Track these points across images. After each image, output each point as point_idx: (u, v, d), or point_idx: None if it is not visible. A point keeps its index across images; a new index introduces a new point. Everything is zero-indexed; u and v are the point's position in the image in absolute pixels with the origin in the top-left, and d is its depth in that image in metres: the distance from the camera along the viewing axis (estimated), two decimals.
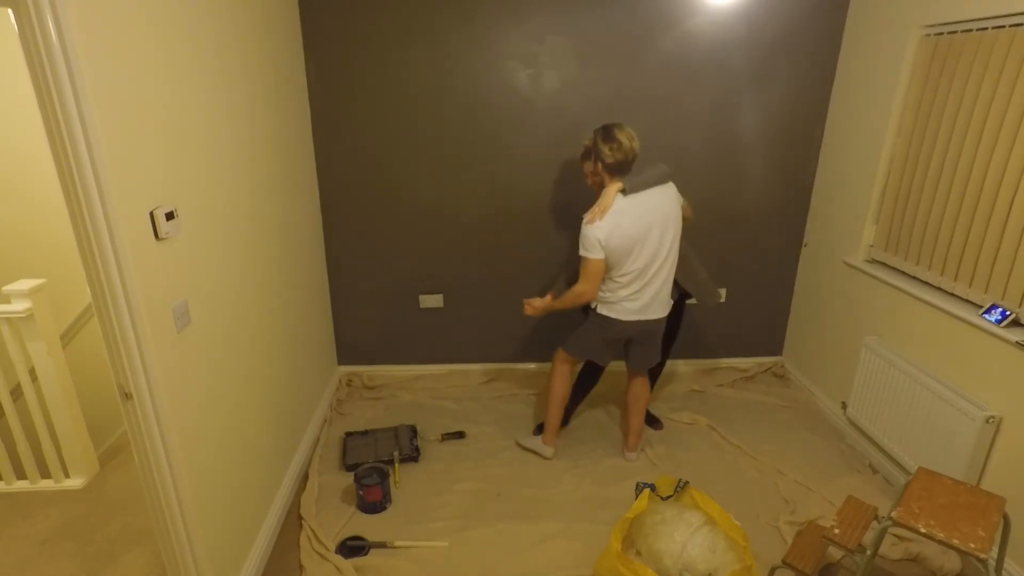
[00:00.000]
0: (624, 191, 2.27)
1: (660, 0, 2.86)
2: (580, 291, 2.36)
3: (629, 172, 2.33)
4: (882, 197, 2.75)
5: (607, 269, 2.35)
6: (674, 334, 2.83)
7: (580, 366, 2.89)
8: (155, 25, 1.58)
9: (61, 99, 1.27)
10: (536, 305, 2.55)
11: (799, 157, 3.18)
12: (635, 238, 2.28)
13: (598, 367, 2.82)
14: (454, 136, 3.07)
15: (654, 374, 2.91)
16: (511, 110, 3.03)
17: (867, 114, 2.79)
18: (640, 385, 2.69)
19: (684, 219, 2.44)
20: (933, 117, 2.42)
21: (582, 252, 2.31)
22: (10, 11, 1.26)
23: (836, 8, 2.92)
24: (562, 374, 2.69)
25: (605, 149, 2.28)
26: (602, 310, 2.45)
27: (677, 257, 2.42)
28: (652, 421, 3.01)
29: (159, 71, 1.60)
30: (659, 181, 2.32)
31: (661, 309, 2.46)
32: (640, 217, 2.27)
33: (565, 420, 2.99)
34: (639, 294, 2.38)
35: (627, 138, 2.27)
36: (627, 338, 2.54)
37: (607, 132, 2.28)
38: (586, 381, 2.91)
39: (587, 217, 2.29)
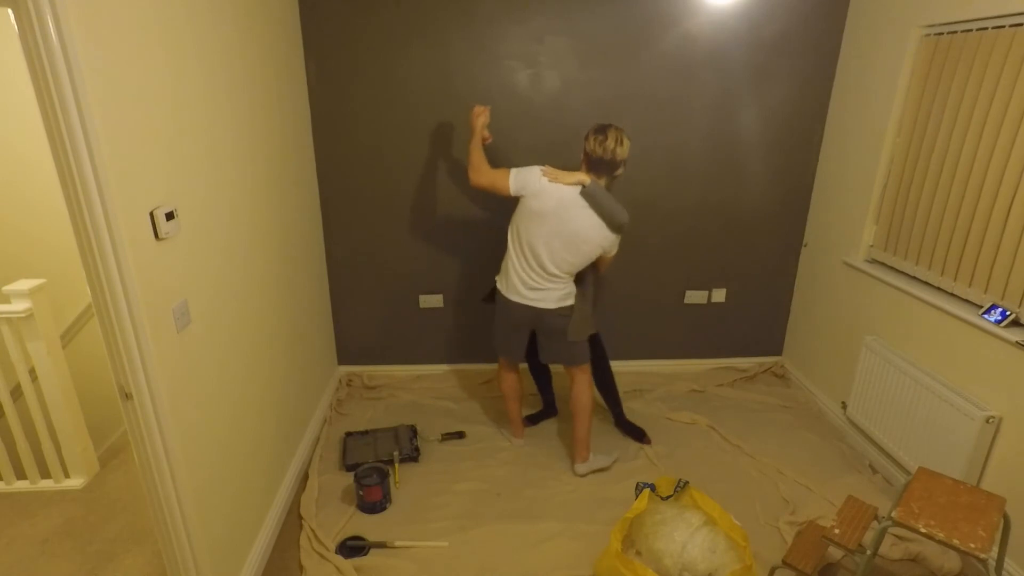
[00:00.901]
0: (584, 188, 2.25)
1: (660, 0, 2.86)
2: (475, 166, 2.41)
3: (602, 176, 2.31)
4: (882, 197, 2.75)
5: (516, 231, 2.38)
6: (601, 359, 2.79)
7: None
8: (155, 25, 1.58)
9: (61, 99, 1.27)
10: (481, 112, 2.49)
11: (799, 157, 3.18)
12: (544, 223, 2.28)
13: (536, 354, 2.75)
14: (454, 136, 3.07)
15: (607, 392, 2.90)
16: (511, 110, 3.03)
17: (867, 114, 2.79)
18: (577, 387, 2.60)
19: (599, 265, 2.46)
20: (933, 117, 2.42)
21: (513, 168, 2.35)
22: (10, 11, 1.26)
23: (836, 8, 2.92)
24: (501, 373, 2.77)
25: (591, 139, 2.28)
26: (498, 284, 2.52)
27: (570, 279, 2.42)
28: (639, 436, 2.90)
29: (159, 71, 1.60)
30: (609, 218, 2.27)
31: (549, 302, 2.42)
32: (562, 215, 2.26)
33: (552, 411, 3.09)
34: (530, 280, 2.39)
35: (614, 141, 2.25)
36: (526, 327, 2.53)
37: (602, 127, 2.28)
38: (534, 370, 3.00)
39: (544, 167, 2.31)
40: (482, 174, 2.40)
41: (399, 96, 2.99)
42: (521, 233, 2.36)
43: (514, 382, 2.77)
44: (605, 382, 2.88)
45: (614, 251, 2.41)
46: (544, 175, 2.29)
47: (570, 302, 2.45)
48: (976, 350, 2.19)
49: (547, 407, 3.09)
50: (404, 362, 3.54)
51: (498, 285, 2.53)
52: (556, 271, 2.37)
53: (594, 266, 2.48)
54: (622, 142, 2.26)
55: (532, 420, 3.04)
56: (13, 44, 2.82)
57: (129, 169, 1.46)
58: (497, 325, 2.62)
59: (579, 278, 2.49)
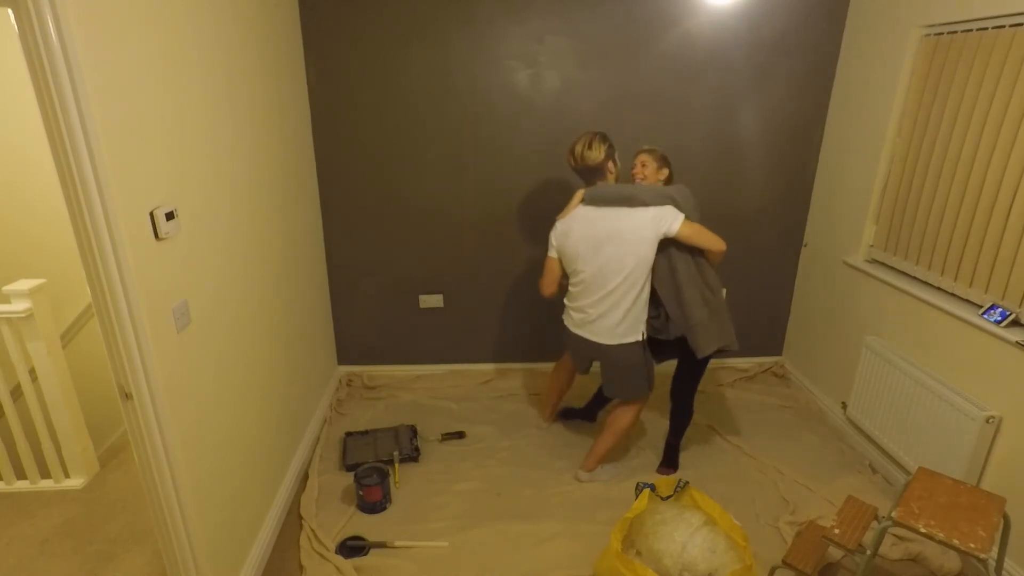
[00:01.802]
0: (584, 199, 2.32)
1: (660, 0, 2.86)
2: (542, 286, 2.52)
3: (591, 180, 2.34)
4: (882, 197, 2.75)
5: (571, 272, 2.41)
6: (683, 377, 2.57)
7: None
8: (156, 25, 1.58)
9: (61, 99, 1.27)
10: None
11: (799, 157, 3.18)
12: (580, 248, 2.30)
13: None
14: (454, 136, 3.07)
15: (677, 423, 2.66)
16: (511, 110, 3.03)
17: (867, 114, 2.79)
18: (622, 410, 2.56)
19: (707, 251, 2.28)
20: (933, 117, 2.42)
21: (549, 251, 2.45)
22: (10, 11, 1.26)
23: (836, 8, 2.92)
24: (559, 363, 2.84)
25: (568, 154, 2.34)
26: (563, 315, 2.53)
27: (641, 286, 2.27)
28: (669, 462, 2.71)
29: (160, 71, 1.60)
30: (622, 201, 2.23)
31: (605, 334, 2.34)
32: (588, 230, 2.28)
33: (591, 416, 3.04)
34: (583, 309, 2.38)
35: (581, 146, 2.28)
36: (586, 356, 2.54)
37: (575, 140, 2.32)
38: (601, 396, 2.94)
39: (558, 217, 2.39)
40: (546, 280, 2.48)
41: (399, 96, 2.99)
42: (578, 274, 2.35)
43: (563, 382, 2.84)
44: (683, 401, 2.63)
45: (676, 223, 2.18)
46: (559, 220, 2.37)
47: (634, 338, 2.35)
48: (976, 350, 2.19)
49: (588, 411, 3.03)
50: (404, 362, 3.54)
51: (563, 316, 2.54)
52: (633, 281, 2.25)
53: (702, 261, 2.32)
54: (590, 145, 2.27)
55: (567, 414, 3.04)
56: (13, 44, 2.82)
57: (129, 169, 1.46)
58: (564, 342, 2.65)
59: (690, 283, 2.30)
